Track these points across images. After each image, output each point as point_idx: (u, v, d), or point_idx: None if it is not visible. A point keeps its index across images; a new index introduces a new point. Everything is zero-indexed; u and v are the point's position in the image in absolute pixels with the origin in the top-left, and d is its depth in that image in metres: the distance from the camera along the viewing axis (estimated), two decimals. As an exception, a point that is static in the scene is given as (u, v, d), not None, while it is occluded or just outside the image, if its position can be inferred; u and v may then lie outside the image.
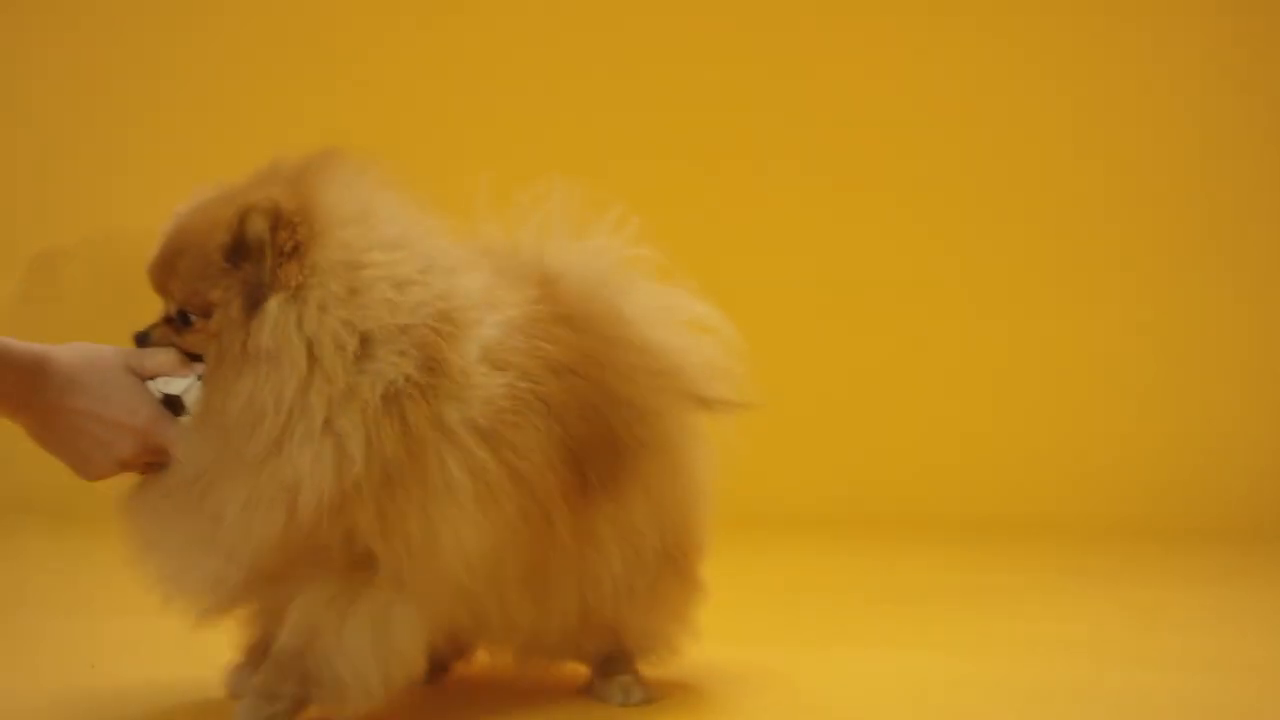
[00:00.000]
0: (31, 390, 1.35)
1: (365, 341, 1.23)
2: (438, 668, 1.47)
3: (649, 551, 1.38)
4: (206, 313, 1.27)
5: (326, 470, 1.21)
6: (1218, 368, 3.28)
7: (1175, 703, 1.43)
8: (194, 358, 1.31)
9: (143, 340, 1.36)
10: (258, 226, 1.24)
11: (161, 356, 1.34)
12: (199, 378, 1.30)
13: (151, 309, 1.39)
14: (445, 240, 1.36)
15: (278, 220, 1.25)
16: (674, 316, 1.47)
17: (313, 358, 1.21)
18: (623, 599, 1.37)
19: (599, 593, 1.36)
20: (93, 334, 1.46)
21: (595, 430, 1.33)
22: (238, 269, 1.25)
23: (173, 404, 1.31)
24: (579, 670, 1.47)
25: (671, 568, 1.41)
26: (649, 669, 1.46)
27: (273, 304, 1.23)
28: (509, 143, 3.45)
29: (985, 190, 3.39)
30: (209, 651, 1.64)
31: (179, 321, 1.31)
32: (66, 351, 1.38)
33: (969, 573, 2.38)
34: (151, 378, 1.34)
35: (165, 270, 1.32)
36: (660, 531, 1.38)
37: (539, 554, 1.31)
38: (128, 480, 1.40)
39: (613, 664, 1.44)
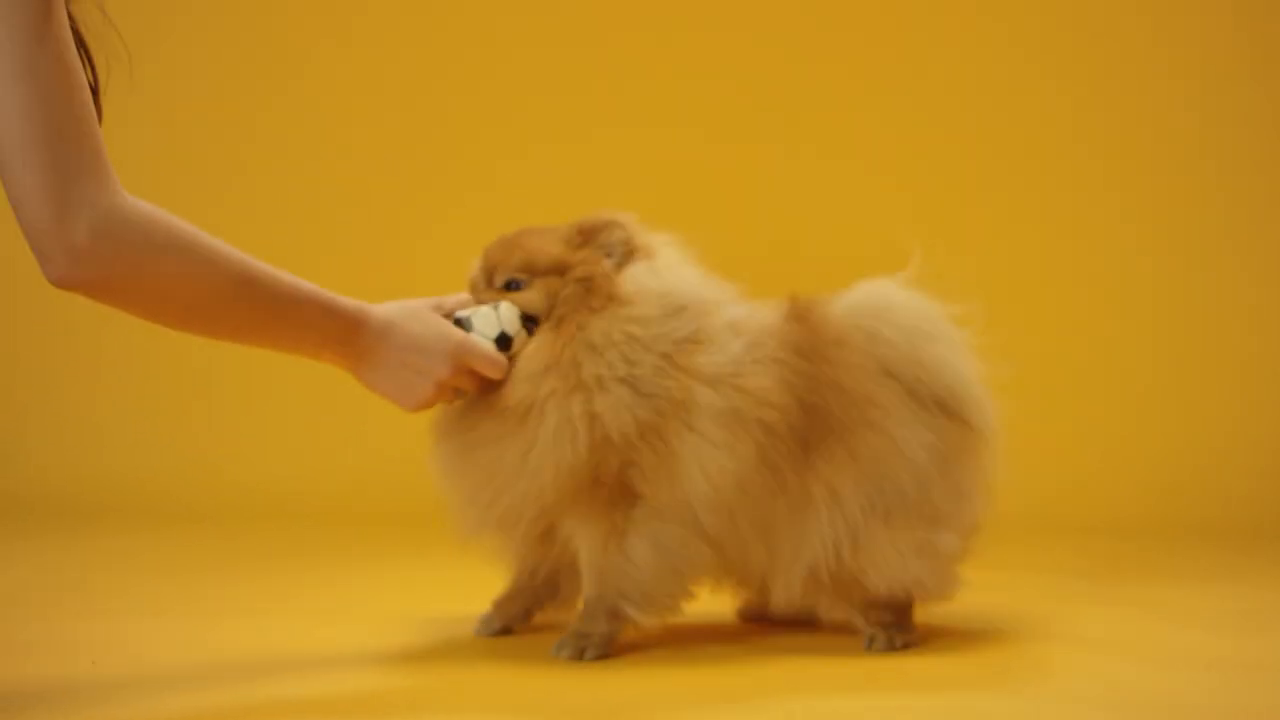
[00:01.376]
0: (357, 334, 1.58)
1: (678, 308, 1.63)
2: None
3: (850, 508, 1.63)
4: (549, 271, 1.65)
5: (623, 409, 1.56)
6: (1219, 367, 3.28)
7: (1175, 702, 1.43)
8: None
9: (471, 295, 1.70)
10: (615, 235, 1.68)
11: (458, 298, 1.69)
12: (493, 307, 1.64)
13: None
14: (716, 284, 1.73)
15: (629, 232, 1.69)
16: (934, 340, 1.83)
17: (659, 308, 1.62)
18: (837, 549, 1.63)
19: (812, 549, 1.63)
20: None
21: (816, 404, 1.64)
22: (587, 245, 1.66)
23: (461, 326, 1.64)
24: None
25: (890, 527, 1.65)
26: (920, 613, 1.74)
27: (639, 265, 1.65)
28: (509, 128, 3.46)
29: (985, 189, 3.39)
30: (208, 652, 1.65)
31: (508, 286, 1.66)
32: (381, 307, 1.61)
33: (968, 571, 2.38)
34: (452, 314, 1.66)
35: (508, 246, 1.69)
36: (866, 492, 1.64)
37: (767, 498, 1.61)
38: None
39: (872, 613, 1.69)
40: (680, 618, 1.66)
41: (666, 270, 1.67)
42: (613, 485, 1.58)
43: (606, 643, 1.60)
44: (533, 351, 1.61)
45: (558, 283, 1.63)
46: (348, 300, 1.58)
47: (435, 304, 1.67)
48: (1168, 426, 3.22)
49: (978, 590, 2.16)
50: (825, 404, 1.64)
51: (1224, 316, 3.31)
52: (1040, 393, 3.29)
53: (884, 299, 1.79)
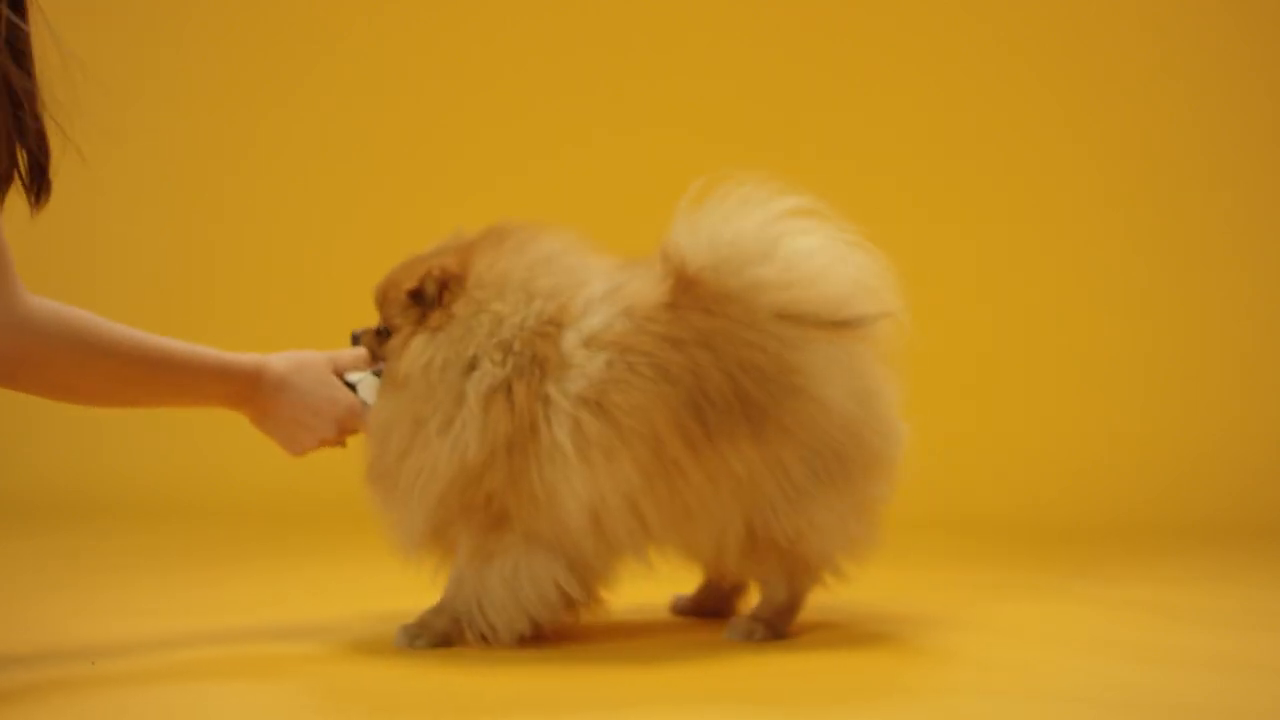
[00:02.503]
0: (254, 390, 1.73)
1: (472, 360, 1.62)
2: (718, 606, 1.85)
3: (795, 477, 1.63)
4: (394, 329, 1.70)
5: (452, 454, 1.59)
6: (1218, 367, 3.28)
7: (1176, 702, 1.43)
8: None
9: (355, 339, 1.79)
10: (429, 284, 1.66)
11: (353, 355, 1.78)
12: (375, 373, 1.75)
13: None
14: (589, 262, 1.71)
15: (442, 283, 1.66)
16: (811, 259, 1.70)
17: (429, 379, 1.63)
18: (777, 515, 1.64)
19: (759, 513, 1.64)
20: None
21: (720, 389, 1.60)
22: (415, 308, 1.67)
23: (352, 389, 1.76)
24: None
25: (826, 485, 1.65)
26: (824, 591, 1.75)
27: (416, 340, 1.66)
28: (510, 122, 3.46)
29: (985, 189, 3.39)
30: (209, 652, 1.65)
31: (382, 334, 1.73)
32: (279, 358, 1.75)
33: (967, 571, 2.38)
34: (344, 374, 1.77)
35: (382, 294, 1.73)
36: (804, 458, 1.63)
37: (676, 495, 1.61)
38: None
39: (765, 606, 1.72)
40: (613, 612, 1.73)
41: (459, 331, 1.65)
42: (488, 508, 1.61)
43: (441, 640, 1.65)
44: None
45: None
46: (243, 358, 1.72)
47: (330, 359, 1.77)
48: (1168, 426, 3.22)
49: (977, 590, 2.17)
50: (738, 387, 1.61)
51: (1223, 317, 3.31)
52: (1040, 393, 3.30)
53: (723, 237, 1.69)
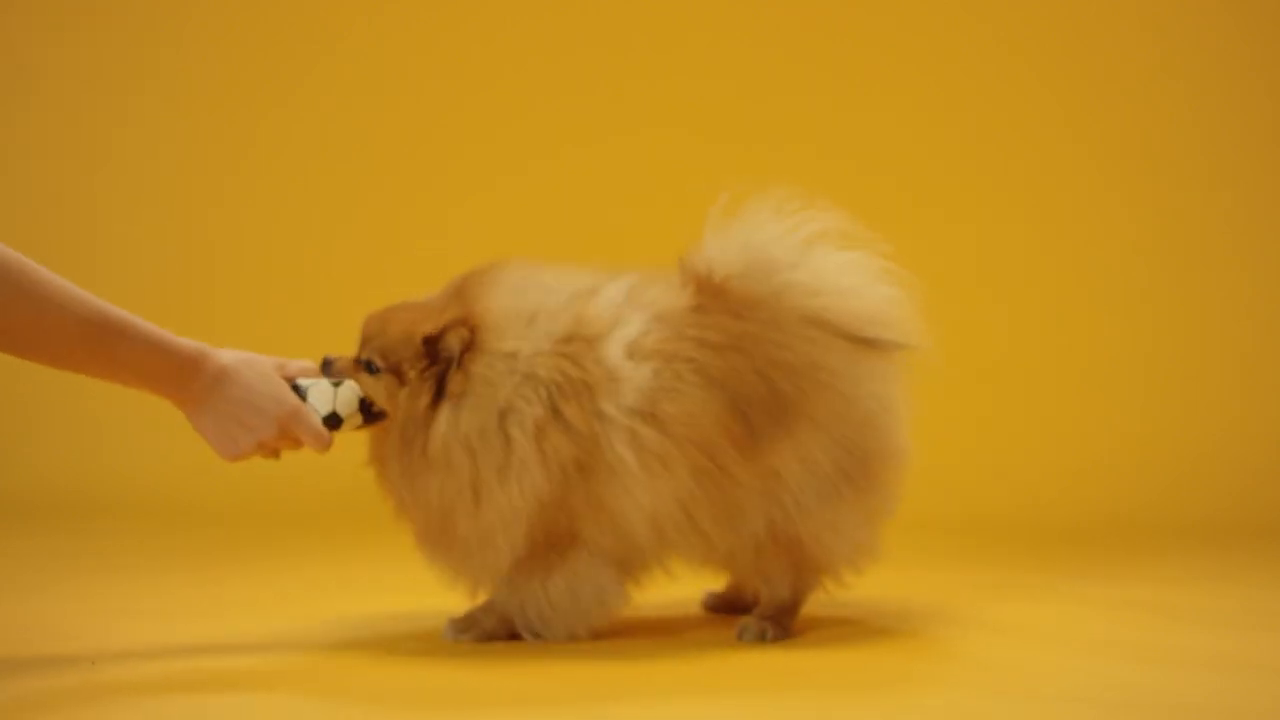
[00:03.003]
0: (190, 377, 1.60)
1: (504, 413, 1.59)
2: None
3: (825, 472, 1.65)
4: (394, 371, 1.64)
5: (523, 496, 1.58)
6: (1218, 367, 3.28)
7: (1176, 701, 1.43)
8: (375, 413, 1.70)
9: (328, 365, 1.70)
10: (455, 340, 1.61)
11: (300, 366, 1.70)
12: (334, 383, 1.68)
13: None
14: (590, 275, 1.69)
15: (468, 342, 1.61)
16: (843, 274, 1.74)
17: (470, 447, 1.59)
18: (804, 514, 1.65)
19: (784, 511, 1.65)
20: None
21: (757, 390, 1.62)
22: (426, 359, 1.62)
23: (301, 395, 1.66)
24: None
25: (850, 486, 1.67)
26: (836, 589, 1.77)
27: (443, 413, 1.60)
28: (509, 121, 3.46)
29: (984, 189, 3.39)
30: (208, 652, 1.65)
31: (365, 366, 1.66)
32: (226, 351, 1.64)
33: (967, 571, 2.38)
34: (293, 380, 1.68)
35: (380, 322, 1.67)
36: (833, 455, 1.65)
37: (727, 496, 1.63)
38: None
39: (768, 605, 1.73)
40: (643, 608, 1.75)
41: (484, 391, 1.61)
42: (566, 528, 1.63)
43: (488, 636, 1.67)
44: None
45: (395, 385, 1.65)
46: (187, 342, 1.61)
47: (278, 364, 1.69)
48: (1168, 426, 3.22)
49: (977, 590, 2.17)
50: (771, 385, 1.63)
51: (1223, 316, 3.30)
52: (1040, 393, 3.30)
53: (755, 243, 1.71)
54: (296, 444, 1.66)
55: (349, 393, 1.68)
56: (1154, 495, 3.06)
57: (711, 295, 1.66)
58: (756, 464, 1.63)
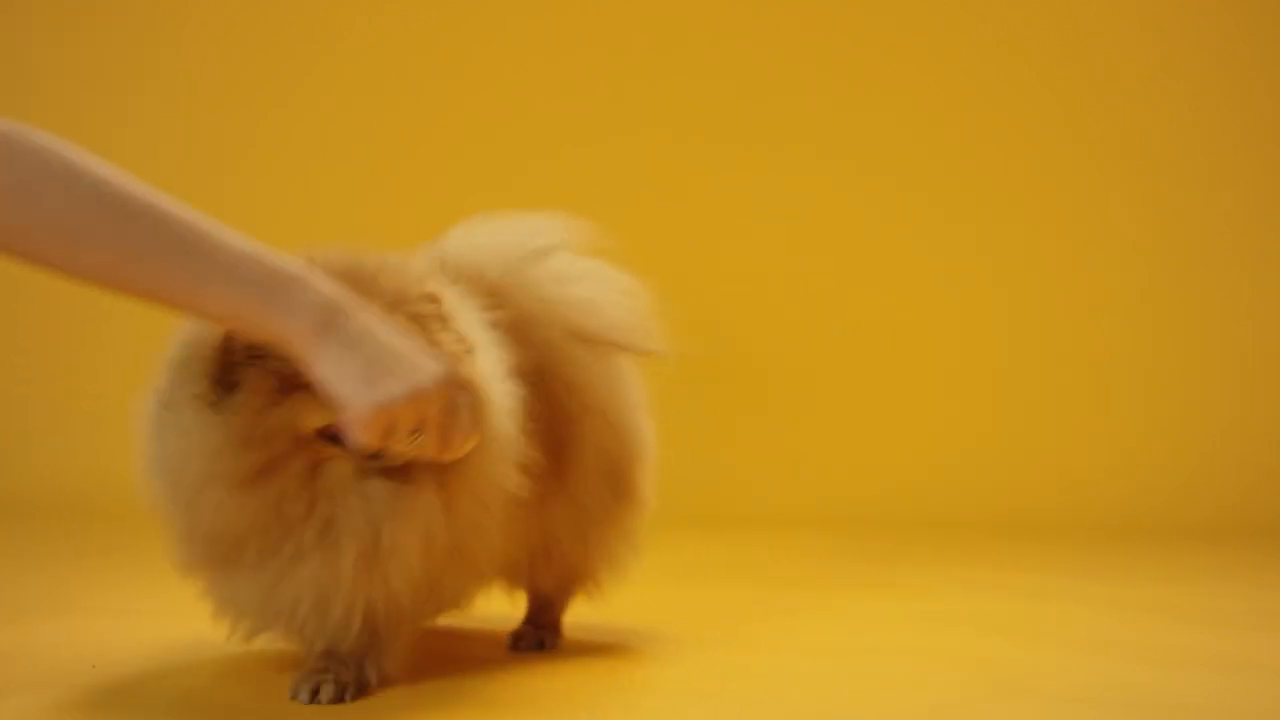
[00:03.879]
0: (336, 306, 1.17)
1: None
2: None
3: (597, 484, 1.58)
4: None
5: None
6: (1218, 367, 3.28)
7: (1176, 702, 1.43)
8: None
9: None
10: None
11: None
12: None
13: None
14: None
15: None
16: (599, 284, 1.64)
17: None
18: (577, 526, 1.58)
19: (564, 527, 1.57)
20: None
21: (557, 416, 1.50)
22: None
23: None
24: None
25: (610, 490, 1.60)
26: (594, 598, 1.67)
27: None
28: (509, 121, 3.46)
29: (984, 189, 3.39)
30: (207, 652, 1.64)
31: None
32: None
33: (967, 571, 2.38)
34: None
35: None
36: (603, 467, 1.59)
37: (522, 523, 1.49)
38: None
39: (538, 614, 1.65)
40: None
41: None
42: None
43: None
44: None
45: None
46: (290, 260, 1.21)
47: None
48: (1168, 426, 3.22)
49: (977, 590, 2.17)
50: (554, 418, 1.51)
51: (1223, 317, 3.31)
52: (1040, 393, 3.30)
53: (509, 249, 1.63)
54: (435, 431, 1.18)
55: None
56: (1154, 495, 3.06)
57: (500, 302, 1.47)
58: (550, 489, 1.50)
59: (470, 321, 1.38)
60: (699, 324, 1.70)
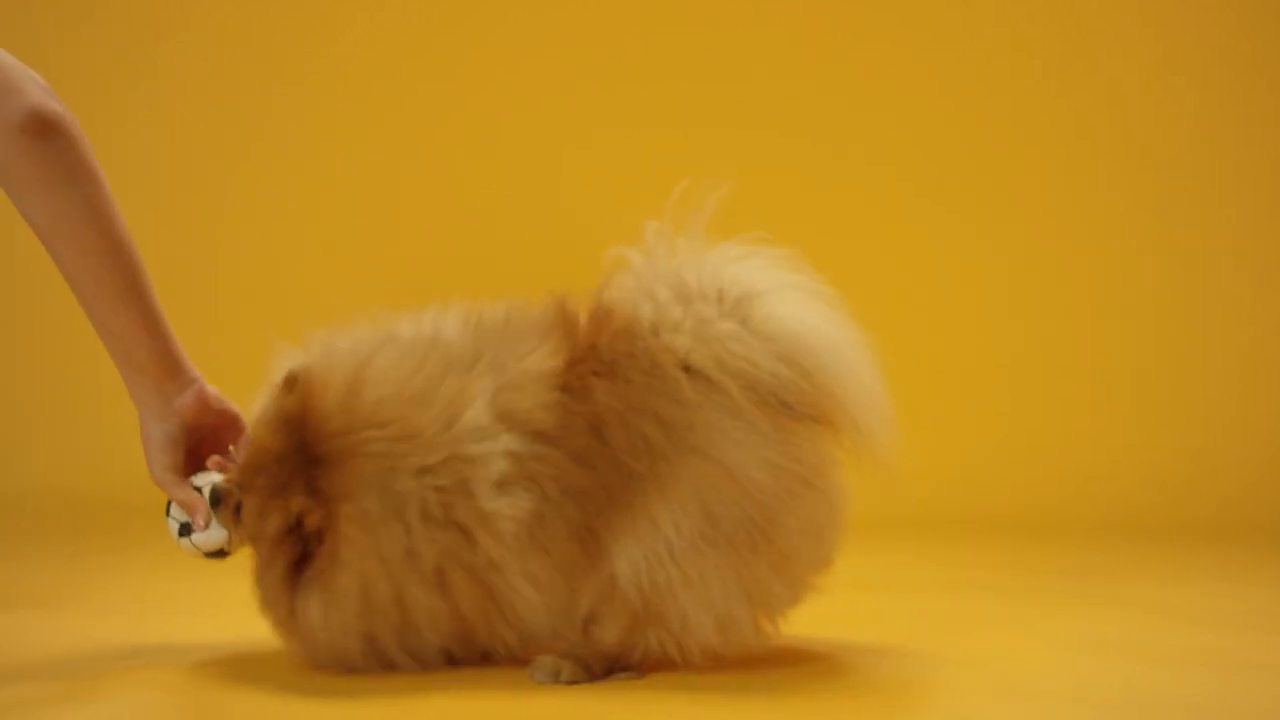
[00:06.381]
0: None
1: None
2: None
3: (681, 532, 1.47)
4: None
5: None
6: (1218, 368, 3.28)
7: (1177, 701, 1.43)
8: None
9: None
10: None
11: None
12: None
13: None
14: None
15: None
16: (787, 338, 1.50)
17: None
18: (655, 564, 1.48)
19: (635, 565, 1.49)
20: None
21: (633, 449, 1.47)
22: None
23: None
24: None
25: (713, 549, 1.48)
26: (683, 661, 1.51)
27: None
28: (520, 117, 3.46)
29: (984, 188, 3.39)
30: (209, 651, 1.65)
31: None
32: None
33: (967, 571, 2.38)
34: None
35: None
36: (705, 511, 1.47)
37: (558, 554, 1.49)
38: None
39: (583, 642, 1.52)
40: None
41: None
42: None
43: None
44: None
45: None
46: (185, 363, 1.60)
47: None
48: (1167, 426, 3.22)
49: (977, 590, 2.17)
50: (620, 442, 1.44)
51: (1223, 317, 3.31)
52: (1040, 393, 3.30)
53: (655, 274, 1.51)
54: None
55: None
56: (1154, 495, 3.07)
57: (583, 356, 1.47)
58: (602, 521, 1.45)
59: None
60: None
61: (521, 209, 3.36)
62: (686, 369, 1.46)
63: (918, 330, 3.35)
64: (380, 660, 1.47)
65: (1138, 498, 3.07)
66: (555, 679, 1.47)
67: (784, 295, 1.51)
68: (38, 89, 1.47)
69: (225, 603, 2.02)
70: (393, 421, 1.44)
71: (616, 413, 1.45)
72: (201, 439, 1.61)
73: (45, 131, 1.45)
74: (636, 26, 3.45)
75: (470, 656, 1.51)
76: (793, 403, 1.47)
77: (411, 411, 1.44)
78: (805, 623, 1.78)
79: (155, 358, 1.57)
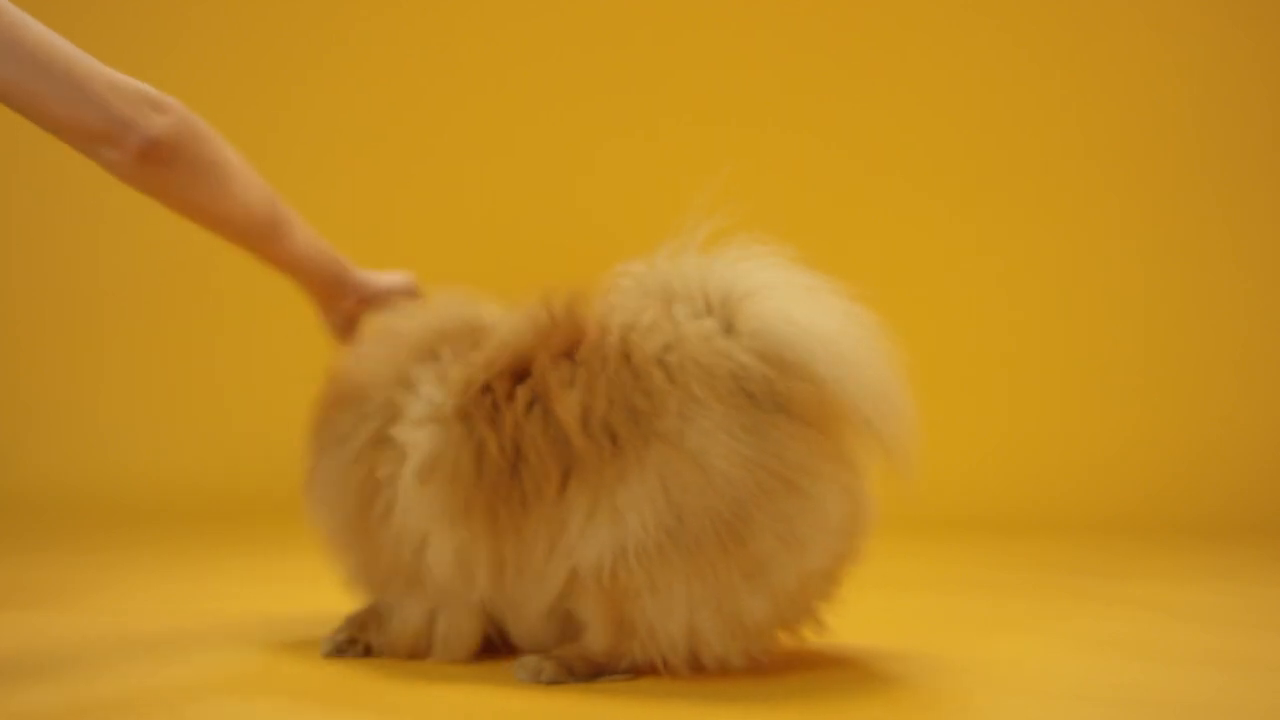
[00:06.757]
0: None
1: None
2: None
3: (647, 529, 1.47)
4: None
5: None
6: (1217, 367, 3.28)
7: (1177, 700, 1.43)
8: None
9: None
10: None
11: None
12: None
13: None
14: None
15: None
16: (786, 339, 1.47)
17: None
18: (622, 564, 1.47)
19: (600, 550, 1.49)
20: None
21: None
22: None
23: None
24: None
25: (679, 552, 1.46)
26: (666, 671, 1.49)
27: None
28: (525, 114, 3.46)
29: (984, 189, 3.40)
30: (209, 651, 1.65)
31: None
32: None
33: (967, 570, 2.38)
34: None
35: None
36: (658, 519, 1.46)
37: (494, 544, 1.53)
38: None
39: (571, 645, 1.51)
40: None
41: None
42: None
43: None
44: None
45: None
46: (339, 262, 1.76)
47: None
48: (1166, 426, 3.23)
49: (977, 589, 2.17)
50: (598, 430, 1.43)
51: (1222, 316, 3.31)
52: (1040, 392, 3.31)
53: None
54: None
55: None
56: (1154, 494, 3.07)
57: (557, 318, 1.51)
58: (549, 509, 1.44)
59: None
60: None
61: (536, 209, 3.37)
62: (661, 365, 1.43)
63: (915, 329, 3.35)
64: None
65: (1138, 498, 3.08)
66: (536, 678, 1.46)
67: (771, 294, 1.48)
68: (147, 108, 1.53)
69: (225, 603, 2.03)
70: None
71: (583, 403, 1.43)
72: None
73: (165, 158, 1.55)
74: (640, 27, 3.45)
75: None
76: (781, 401, 1.42)
77: None
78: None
79: (322, 281, 1.74)
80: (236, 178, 1.62)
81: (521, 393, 1.47)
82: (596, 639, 1.46)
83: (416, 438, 1.51)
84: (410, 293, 1.81)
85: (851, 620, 1.84)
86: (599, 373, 1.44)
